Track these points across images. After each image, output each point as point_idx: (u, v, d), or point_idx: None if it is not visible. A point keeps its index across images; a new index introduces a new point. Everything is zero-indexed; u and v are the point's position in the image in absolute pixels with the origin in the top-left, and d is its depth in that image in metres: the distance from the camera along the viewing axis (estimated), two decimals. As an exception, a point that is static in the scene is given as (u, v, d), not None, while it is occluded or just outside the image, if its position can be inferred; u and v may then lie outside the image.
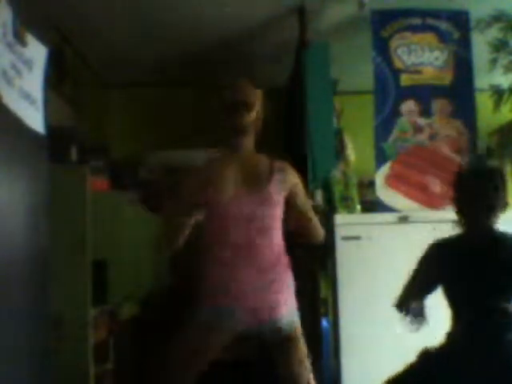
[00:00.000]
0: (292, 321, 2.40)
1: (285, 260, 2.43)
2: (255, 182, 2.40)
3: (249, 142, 2.51)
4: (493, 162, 2.53)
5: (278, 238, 2.42)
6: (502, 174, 2.41)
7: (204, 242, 2.42)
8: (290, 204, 2.48)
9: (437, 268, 2.35)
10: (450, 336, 2.30)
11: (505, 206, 2.34)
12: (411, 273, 2.37)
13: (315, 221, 2.57)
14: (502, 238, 2.32)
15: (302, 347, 2.42)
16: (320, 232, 2.62)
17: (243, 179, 2.40)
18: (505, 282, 2.25)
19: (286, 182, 2.45)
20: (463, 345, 2.25)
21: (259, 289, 2.32)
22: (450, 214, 2.44)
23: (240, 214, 2.36)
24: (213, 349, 2.34)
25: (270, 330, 2.33)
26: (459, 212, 2.38)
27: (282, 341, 2.37)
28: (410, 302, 2.35)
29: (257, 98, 2.53)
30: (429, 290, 2.36)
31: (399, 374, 2.30)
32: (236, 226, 2.36)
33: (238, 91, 2.51)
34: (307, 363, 2.44)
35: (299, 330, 2.43)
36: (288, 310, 2.38)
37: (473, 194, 2.34)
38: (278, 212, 2.42)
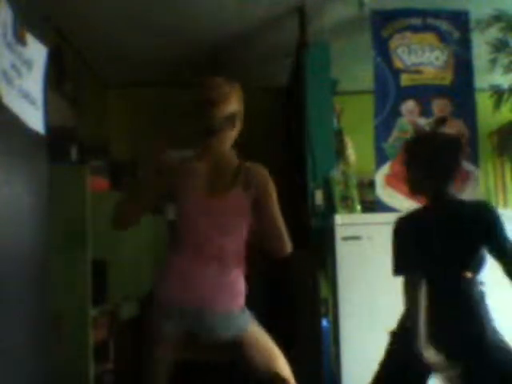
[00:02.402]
0: (236, 323, 2.31)
1: (241, 266, 2.36)
2: (220, 186, 2.30)
3: (220, 141, 2.35)
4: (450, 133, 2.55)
5: (237, 243, 2.33)
6: (456, 141, 2.44)
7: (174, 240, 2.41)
8: (257, 206, 2.34)
9: (401, 241, 2.41)
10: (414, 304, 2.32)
11: (459, 173, 2.37)
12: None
13: (282, 231, 2.36)
14: (459, 205, 2.35)
15: (261, 335, 2.37)
16: (286, 246, 2.38)
17: (209, 182, 2.31)
18: (462, 250, 2.28)
19: (252, 184, 2.30)
20: (427, 313, 2.27)
21: (209, 287, 2.27)
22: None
23: (202, 217, 2.30)
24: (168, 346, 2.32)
25: (210, 324, 2.27)
26: (414, 185, 2.41)
27: (233, 338, 2.30)
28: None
29: (231, 95, 2.34)
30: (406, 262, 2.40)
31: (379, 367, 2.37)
32: (197, 228, 2.31)
33: (206, 89, 2.35)
34: (275, 351, 2.38)
35: (251, 325, 2.34)
36: (237, 312, 2.30)
37: (424, 162, 2.36)
38: (241, 217, 2.32)
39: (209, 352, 2.51)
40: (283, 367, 2.39)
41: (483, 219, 2.28)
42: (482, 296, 2.26)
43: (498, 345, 2.18)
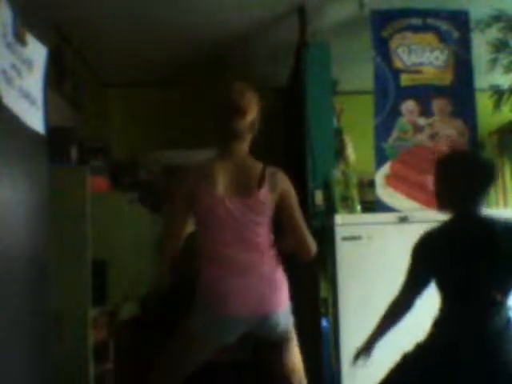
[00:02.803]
0: (288, 320, 2.42)
1: (274, 261, 2.41)
2: (245, 188, 2.35)
3: (243, 146, 2.44)
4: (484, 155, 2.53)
5: (262, 244, 2.38)
6: (490, 164, 2.38)
7: (199, 243, 2.42)
8: (280, 210, 2.42)
9: (426, 258, 2.34)
10: (437, 326, 2.29)
11: (488, 192, 2.32)
12: (407, 268, 2.37)
13: (307, 233, 2.46)
14: (491, 224, 2.28)
15: (296, 349, 2.45)
16: (311, 247, 2.49)
17: (233, 184, 2.35)
18: (494, 270, 2.22)
19: (277, 188, 2.38)
20: (449, 334, 2.24)
21: (254, 291, 2.31)
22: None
23: (228, 219, 2.33)
24: (206, 354, 2.37)
25: (267, 326, 2.34)
26: (446, 201, 2.36)
27: (278, 339, 2.38)
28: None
29: (253, 102, 2.43)
30: (423, 281, 2.35)
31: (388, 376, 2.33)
32: (223, 234, 2.34)
33: (234, 94, 2.41)
34: (300, 366, 2.45)
35: (294, 332, 2.44)
36: (284, 309, 2.39)
37: (460, 181, 2.32)
38: (267, 219, 2.39)
39: (244, 352, 2.55)
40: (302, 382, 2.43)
41: None
42: (508, 321, 2.20)
43: None
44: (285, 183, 2.43)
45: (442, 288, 2.30)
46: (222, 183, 2.35)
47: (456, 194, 2.33)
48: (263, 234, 2.39)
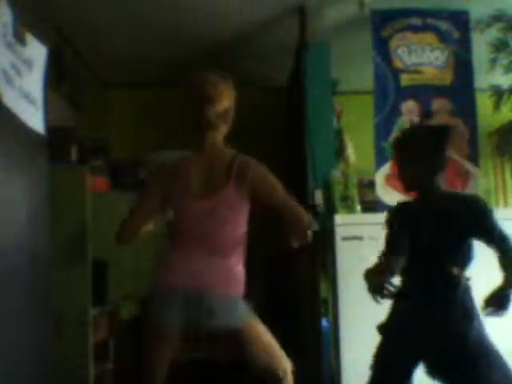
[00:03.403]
0: (234, 310, 2.33)
1: (240, 256, 2.39)
2: (212, 187, 2.34)
3: (216, 137, 2.41)
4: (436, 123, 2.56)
5: (234, 235, 2.37)
6: (445, 130, 2.42)
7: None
8: (260, 198, 2.39)
9: (391, 232, 2.43)
10: (399, 300, 2.35)
11: (444, 164, 2.36)
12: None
13: (296, 209, 2.37)
14: (449, 197, 2.35)
15: (267, 342, 2.38)
16: (305, 224, 2.38)
17: (202, 183, 2.35)
18: (450, 243, 2.27)
19: (246, 180, 2.33)
20: (410, 308, 2.31)
21: (208, 272, 2.30)
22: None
23: (197, 216, 2.33)
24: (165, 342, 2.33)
25: (206, 307, 2.28)
26: (406, 177, 2.40)
27: (225, 329, 2.31)
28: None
29: (225, 91, 2.40)
30: (397, 251, 2.40)
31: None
32: (193, 227, 2.35)
33: (204, 84, 2.40)
34: (275, 351, 2.39)
35: (254, 328, 2.37)
36: (227, 296, 2.32)
37: (409, 157, 2.36)
38: (236, 213, 2.36)
39: (208, 347, 2.51)
40: (285, 365, 2.40)
41: (471, 211, 2.27)
42: (467, 290, 2.25)
43: (481, 342, 2.18)
44: (254, 172, 2.35)
45: (403, 251, 2.36)
46: (192, 183, 2.35)
47: (411, 171, 2.37)
48: (228, 234, 2.36)
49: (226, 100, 2.40)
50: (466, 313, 2.22)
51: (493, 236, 2.23)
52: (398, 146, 2.46)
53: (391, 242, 2.44)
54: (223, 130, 2.44)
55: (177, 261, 2.36)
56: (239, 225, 2.39)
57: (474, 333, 2.19)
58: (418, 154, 2.35)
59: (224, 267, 2.34)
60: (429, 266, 2.30)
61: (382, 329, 2.40)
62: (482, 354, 2.17)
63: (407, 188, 2.44)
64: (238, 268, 2.39)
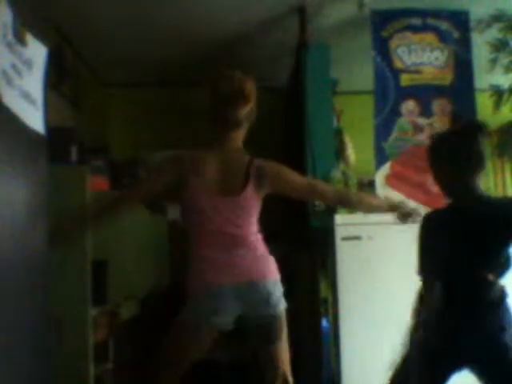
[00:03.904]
0: (279, 291, 2.37)
1: (263, 245, 2.42)
2: (232, 187, 2.36)
3: (240, 135, 2.44)
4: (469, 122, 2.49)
5: (249, 238, 2.39)
6: (478, 129, 2.30)
7: (188, 237, 2.44)
8: (290, 193, 2.47)
9: (426, 239, 2.33)
10: (430, 309, 2.29)
11: (483, 166, 2.27)
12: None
13: (323, 189, 2.51)
14: (485, 202, 2.27)
15: (285, 343, 2.40)
16: (336, 195, 2.55)
17: (221, 182, 2.36)
18: (488, 251, 2.20)
19: (264, 182, 2.38)
20: (442, 317, 2.23)
21: (237, 263, 2.32)
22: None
23: (216, 214, 2.34)
24: (201, 340, 2.33)
25: (257, 294, 2.30)
26: (440, 184, 2.35)
27: (269, 316, 2.33)
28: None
29: (253, 90, 2.43)
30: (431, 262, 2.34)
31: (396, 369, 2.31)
32: (212, 224, 2.36)
33: (236, 80, 2.42)
34: (287, 357, 2.40)
35: (284, 318, 2.38)
36: (272, 279, 2.35)
37: (447, 161, 2.30)
38: (253, 214, 2.40)
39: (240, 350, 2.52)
40: (288, 376, 2.41)
41: (508, 215, 2.19)
42: (503, 299, 2.18)
43: None
44: (273, 174, 2.41)
45: (436, 268, 2.29)
46: (209, 179, 2.35)
47: (447, 177, 2.31)
48: (248, 230, 2.39)
49: (253, 100, 2.42)
50: (500, 322, 2.15)
51: None
52: (431, 151, 2.38)
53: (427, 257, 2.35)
54: (245, 129, 2.46)
55: (214, 257, 2.33)
56: (253, 228, 2.42)
57: (508, 341, 2.12)
58: (454, 157, 2.27)
59: (258, 255, 2.36)
60: (465, 271, 2.23)
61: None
62: None
63: (446, 194, 2.35)
64: (268, 254, 2.41)
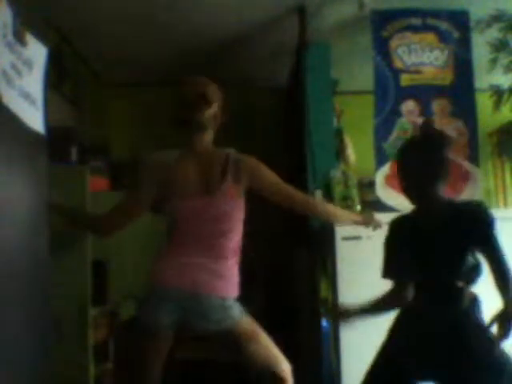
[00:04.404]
0: (229, 312, 2.35)
1: (235, 256, 2.42)
2: (208, 186, 2.37)
3: (208, 138, 2.47)
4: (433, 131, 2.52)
5: (231, 235, 2.40)
6: (442, 140, 2.36)
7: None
8: (263, 192, 2.45)
9: (394, 245, 2.37)
10: (403, 314, 2.33)
11: (447, 174, 2.31)
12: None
13: (299, 197, 2.51)
14: (450, 208, 2.29)
15: (263, 342, 2.40)
16: (314, 204, 2.62)
17: (197, 183, 2.38)
18: (452, 254, 2.21)
19: (242, 177, 2.39)
20: (411, 321, 2.27)
21: (205, 272, 2.32)
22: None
23: (195, 216, 2.36)
24: (157, 343, 2.33)
25: (200, 308, 2.30)
26: (406, 189, 2.37)
27: (232, 330, 2.34)
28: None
29: (215, 94, 2.46)
30: (399, 268, 2.36)
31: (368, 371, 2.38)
32: (191, 225, 2.37)
33: (197, 85, 2.46)
34: (273, 352, 2.40)
35: (251, 328, 2.39)
36: (223, 297, 2.34)
37: (414, 167, 2.32)
38: (233, 213, 2.40)
39: (205, 347, 2.52)
40: (285, 365, 2.40)
41: (472, 218, 2.21)
42: (473, 306, 2.19)
43: (492, 359, 2.10)
44: (250, 168, 2.43)
45: (405, 275, 2.32)
46: (188, 181, 2.37)
47: (413, 183, 2.34)
48: (228, 229, 2.39)
49: (216, 102, 2.45)
50: (472, 329, 2.15)
51: (488, 244, 2.16)
52: (399, 157, 2.43)
53: (393, 263, 2.38)
54: (211, 132, 2.48)
55: (173, 259, 2.37)
56: (236, 225, 2.42)
57: (483, 350, 2.12)
58: (418, 165, 2.31)
59: (221, 268, 2.36)
60: (432, 278, 2.25)
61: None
62: (494, 368, 2.10)
63: (410, 200, 2.38)
64: (234, 270, 2.41)
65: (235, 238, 2.41)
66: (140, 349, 2.36)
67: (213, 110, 2.44)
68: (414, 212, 2.39)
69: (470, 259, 2.21)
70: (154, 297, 2.34)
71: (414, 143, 2.47)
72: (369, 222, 2.73)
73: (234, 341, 2.34)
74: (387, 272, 2.39)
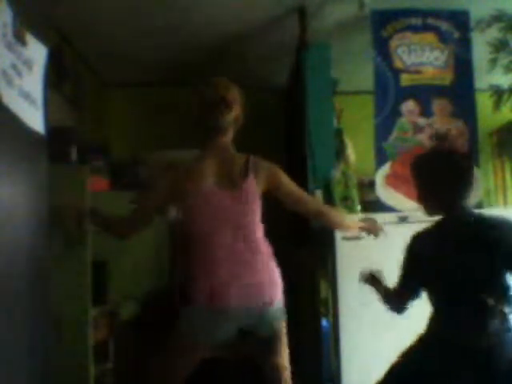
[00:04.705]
0: (281, 315, 2.39)
1: (267, 251, 2.42)
2: (232, 181, 2.39)
3: (227, 140, 2.49)
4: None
5: (255, 234, 2.40)
6: (467, 157, 2.42)
7: (187, 241, 2.43)
8: (280, 194, 2.48)
9: (418, 260, 2.30)
10: (430, 328, 2.26)
11: (472, 188, 2.30)
12: (400, 269, 2.36)
13: (318, 203, 2.61)
14: (478, 222, 2.23)
15: (285, 349, 2.42)
16: (334, 215, 2.64)
17: (220, 178, 2.39)
18: (484, 269, 2.15)
19: (261, 175, 2.42)
20: (441, 337, 2.20)
21: (244, 284, 2.31)
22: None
23: (217, 213, 2.36)
24: (201, 349, 2.34)
25: (259, 320, 2.31)
26: (432, 198, 2.34)
27: (267, 336, 2.35)
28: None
29: (237, 96, 2.47)
30: (416, 283, 2.34)
31: (385, 376, 2.30)
32: (214, 226, 2.36)
33: (218, 88, 2.45)
34: (287, 366, 2.42)
35: (284, 331, 2.40)
36: (277, 302, 2.36)
37: (448, 178, 2.30)
38: (255, 208, 2.42)
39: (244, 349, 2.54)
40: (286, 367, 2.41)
41: (502, 235, 2.15)
42: (504, 327, 2.11)
43: None
44: (268, 169, 2.46)
45: (432, 291, 2.27)
46: (208, 178, 2.38)
47: (439, 195, 2.31)
48: (254, 223, 2.40)
49: (239, 106, 2.47)
50: (504, 355, 2.07)
51: None
52: (419, 168, 2.40)
53: (409, 270, 2.34)
54: (231, 134, 2.50)
55: (214, 271, 2.32)
56: (257, 219, 2.43)
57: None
58: (454, 177, 2.29)
59: (269, 270, 2.36)
60: (460, 295, 2.18)
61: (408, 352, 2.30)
62: None
63: (432, 211, 2.35)
64: (273, 263, 2.41)
65: (256, 237, 2.41)
66: (176, 365, 2.34)
67: (234, 113, 2.45)
68: (438, 225, 2.32)
69: (502, 278, 2.15)
70: (204, 315, 2.29)
71: (439, 155, 2.45)
72: (373, 229, 2.76)
73: (274, 342, 2.36)
74: (403, 285, 2.35)
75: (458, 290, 2.19)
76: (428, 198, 2.35)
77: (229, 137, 2.49)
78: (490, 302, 2.11)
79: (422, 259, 2.28)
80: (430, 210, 2.36)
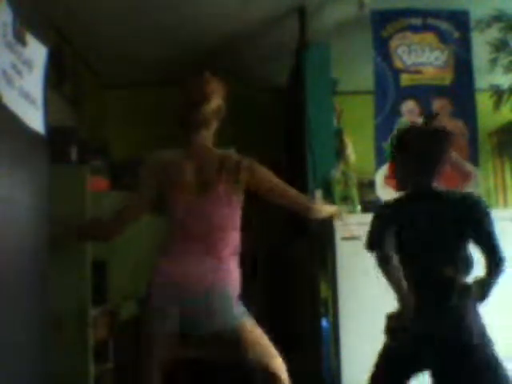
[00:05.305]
0: (241, 312, 2.38)
1: (236, 255, 2.42)
2: (205, 182, 2.39)
3: (207, 135, 2.47)
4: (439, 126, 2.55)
5: (231, 233, 2.40)
6: (448, 135, 2.40)
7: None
8: (262, 189, 2.46)
9: (383, 228, 2.35)
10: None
11: (443, 168, 2.33)
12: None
13: (297, 198, 2.53)
14: (445, 195, 2.30)
15: (261, 342, 2.40)
16: (308, 207, 2.60)
17: (195, 179, 2.39)
18: (444, 242, 2.22)
19: (240, 176, 2.40)
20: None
21: (205, 272, 2.32)
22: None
23: (192, 215, 2.37)
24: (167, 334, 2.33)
25: (221, 306, 2.32)
26: (403, 172, 2.38)
27: (235, 330, 2.34)
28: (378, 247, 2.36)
29: (215, 87, 2.47)
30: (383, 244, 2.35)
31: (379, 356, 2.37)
32: (187, 225, 2.38)
33: (196, 83, 2.48)
34: (275, 361, 2.40)
35: (251, 328, 2.38)
36: (233, 297, 2.36)
37: (420, 155, 2.33)
38: (232, 208, 2.41)
39: (207, 347, 2.53)
40: (279, 366, 2.40)
41: (470, 212, 2.22)
42: (466, 297, 2.16)
43: (482, 350, 2.11)
44: (246, 167, 2.43)
45: (399, 259, 2.31)
46: (186, 180, 2.39)
47: (407, 170, 2.35)
48: (227, 226, 2.40)
49: (218, 97, 2.46)
50: (463, 320, 2.14)
51: (483, 236, 2.18)
52: (398, 145, 2.44)
53: (379, 236, 2.37)
54: (214, 127, 2.50)
55: (176, 257, 2.37)
56: (231, 223, 2.42)
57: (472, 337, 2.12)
58: (420, 154, 2.32)
59: (223, 266, 2.36)
60: (422, 266, 2.25)
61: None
62: (484, 366, 2.11)
63: (402, 187, 2.41)
64: (236, 269, 2.42)
65: (231, 236, 2.41)
66: (147, 351, 2.36)
67: (213, 105, 2.44)
68: (408, 196, 2.38)
69: (464, 248, 2.22)
70: (158, 295, 2.32)
71: (418, 133, 2.46)
72: (335, 215, 2.84)
73: (234, 339, 2.35)
74: (370, 244, 2.39)
75: (418, 263, 2.25)
76: (398, 172, 2.40)
77: (211, 129, 2.48)
78: (449, 272, 2.18)
79: (386, 229, 2.34)
80: (400, 184, 2.41)
